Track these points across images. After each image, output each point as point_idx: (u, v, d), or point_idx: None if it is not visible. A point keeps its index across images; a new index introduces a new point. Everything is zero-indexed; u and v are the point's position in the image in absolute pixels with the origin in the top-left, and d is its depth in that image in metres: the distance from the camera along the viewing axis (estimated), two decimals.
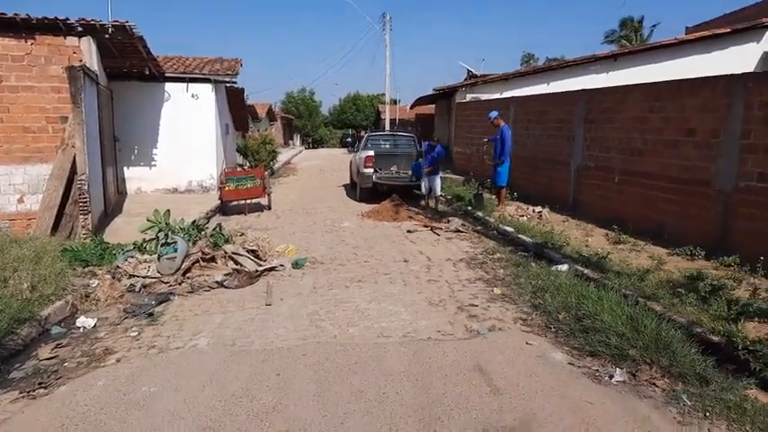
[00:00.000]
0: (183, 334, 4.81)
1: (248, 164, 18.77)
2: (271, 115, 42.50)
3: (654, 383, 3.72)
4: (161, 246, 6.56)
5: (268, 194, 11.92)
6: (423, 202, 11.94)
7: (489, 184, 11.45)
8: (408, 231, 9.44)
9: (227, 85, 15.03)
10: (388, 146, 14.61)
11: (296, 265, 7.05)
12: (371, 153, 12.75)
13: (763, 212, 6.11)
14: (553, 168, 11.26)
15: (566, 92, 11.70)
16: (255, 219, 10.94)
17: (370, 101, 63.75)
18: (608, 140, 9.27)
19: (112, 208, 10.81)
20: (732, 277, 5.48)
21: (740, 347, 3.83)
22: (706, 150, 7.00)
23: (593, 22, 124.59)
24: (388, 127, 32.57)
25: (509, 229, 8.76)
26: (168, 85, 13.56)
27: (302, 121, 60.80)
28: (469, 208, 11.18)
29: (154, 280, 6.12)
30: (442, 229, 9.53)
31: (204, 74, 13.84)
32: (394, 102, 43.12)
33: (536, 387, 3.75)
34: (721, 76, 7.00)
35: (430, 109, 30.33)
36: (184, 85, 13.67)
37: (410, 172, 12.92)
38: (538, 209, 10.16)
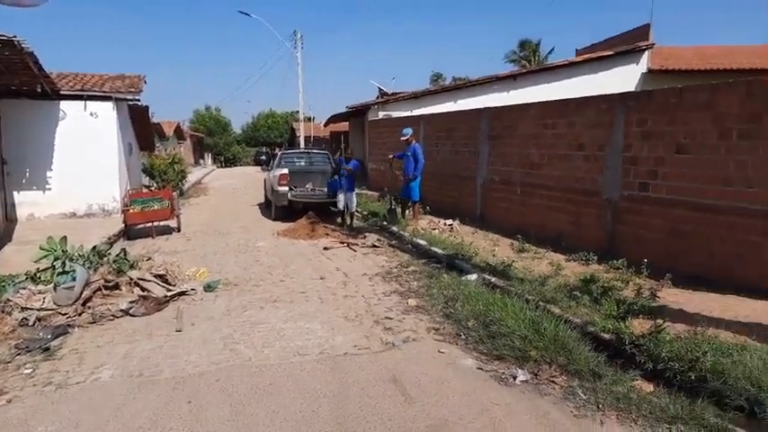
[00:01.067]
0: (83, 368, 4.52)
1: (155, 185, 17.95)
2: (179, 133, 40.92)
3: (553, 381, 4.01)
4: (57, 275, 6.13)
5: (177, 216, 11.46)
6: (339, 219, 12.01)
7: (400, 198, 11.74)
8: (325, 248, 9.46)
9: (130, 102, 14.35)
10: (302, 163, 14.57)
11: (208, 288, 6.85)
12: (286, 171, 12.66)
13: (645, 219, 6.78)
14: (462, 183, 11.76)
15: (471, 110, 12.32)
16: (164, 242, 10.48)
17: (284, 118, 63.23)
18: (509, 156, 9.87)
19: (1, 236, 9.93)
20: (620, 279, 6.00)
21: (627, 343, 4.21)
22: (594, 163, 7.66)
23: (495, 42, 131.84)
24: (302, 144, 32.44)
25: (422, 242, 9.04)
26: (64, 104, 12.72)
27: (213, 139, 59.08)
28: (385, 223, 11.40)
29: (50, 312, 5.68)
30: (358, 244, 9.64)
31: (104, 91, 13.13)
32: (309, 119, 43.07)
33: (447, 393, 3.91)
34: (604, 95, 7.72)
35: (344, 126, 30.62)
36: (82, 103, 12.89)
37: (326, 189, 12.97)
38: (449, 222, 10.56)
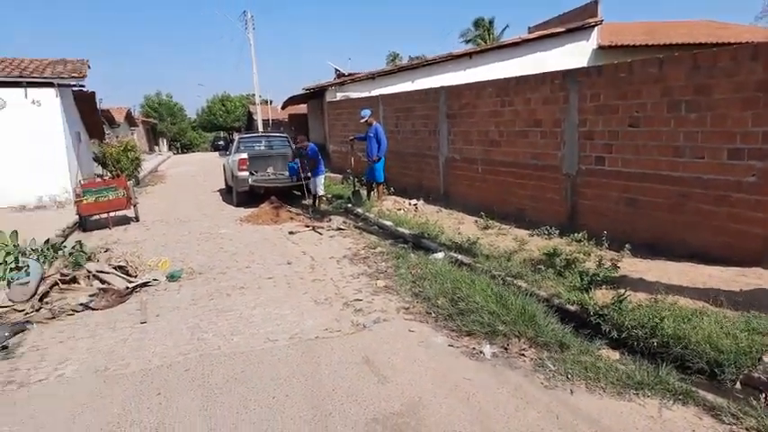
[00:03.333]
0: (45, 365, 4.37)
1: (108, 174, 17.30)
2: (130, 120, 39.46)
3: (523, 354, 4.12)
4: (10, 270, 5.87)
5: (134, 205, 11.10)
6: (305, 202, 11.89)
7: (365, 180, 11.70)
8: (290, 233, 9.36)
9: (75, 88, 13.73)
10: (262, 147, 14.33)
11: (171, 277, 6.69)
12: (245, 156, 12.40)
13: (602, 192, 6.97)
14: (424, 162, 11.81)
15: (428, 89, 12.30)
16: (122, 233, 10.15)
17: (240, 102, 61.77)
18: (470, 134, 9.94)
19: None
20: (582, 251, 6.17)
21: (592, 313, 4.36)
22: (552, 139, 7.80)
23: (451, 21, 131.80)
24: (261, 128, 31.81)
25: (388, 222, 9.06)
26: (2, 91, 12.08)
27: (166, 124, 57.28)
28: (349, 205, 11.35)
29: (5, 309, 5.46)
30: (324, 228, 9.58)
31: (46, 77, 12.52)
32: (266, 102, 42.24)
33: (420, 371, 3.96)
34: (558, 71, 7.83)
35: (303, 109, 30.16)
36: (22, 90, 12.26)
37: (287, 173, 12.79)
38: (413, 201, 10.61)
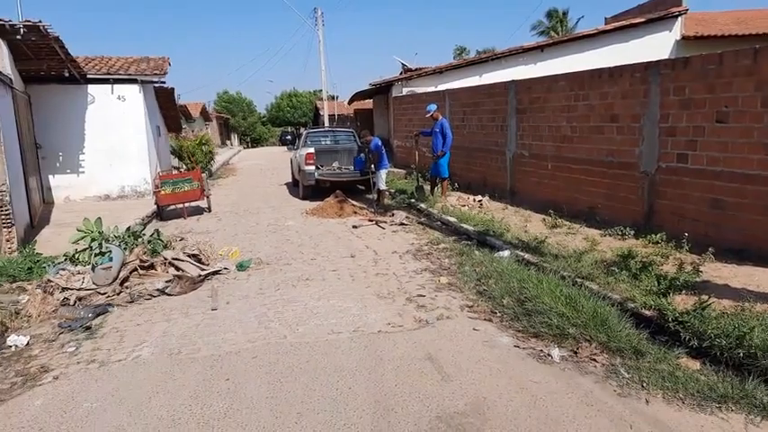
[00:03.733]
0: (124, 345, 4.63)
1: (184, 166, 18.17)
2: (205, 115, 41.27)
3: (594, 359, 3.93)
4: (95, 255, 6.26)
5: (207, 197, 11.59)
6: (368, 196, 11.96)
7: (429, 175, 11.61)
8: (354, 227, 9.45)
9: (156, 85, 14.48)
10: (328, 142, 14.55)
11: (241, 267, 6.91)
12: (312, 150, 12.64)
13: (684, 191, 6.54)
14: (490, 158, 11.57)
15: (497, 83, 12.02)
16: (195, 222, 10.62)
17: (307, 97, 63.11)
18: (539, 129, 9.63)
19: (39, 219, 10.19)
20: (660, 254, 5.84)
21: (670, 319, 4.09)
22: (629, 135, 7.40)
23: (521, 14, 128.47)
24: (327, 123, 32.35)
25: (452, 219, 8.95)
26: (92, 88, 12.91)
27: (238, 119, 59.43)
28: (413, 200, 11.32)
29: (89, 292, 5.83)
30: (387, 222, 9.61)
31: (130, 74, 13.26)
32: (332, 98, 42.94)
33: (484, 371, 3.87)
34: (639, 63, 7.41)
35: (368, 104, 30.38)
36: (109, 86, 13.07)
37: (352, 167, 12.92)
38: (478, 198, 10.43)
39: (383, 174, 11.41)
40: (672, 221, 6.62)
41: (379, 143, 11.47)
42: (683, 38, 17.91)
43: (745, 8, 21.72)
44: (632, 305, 4.50)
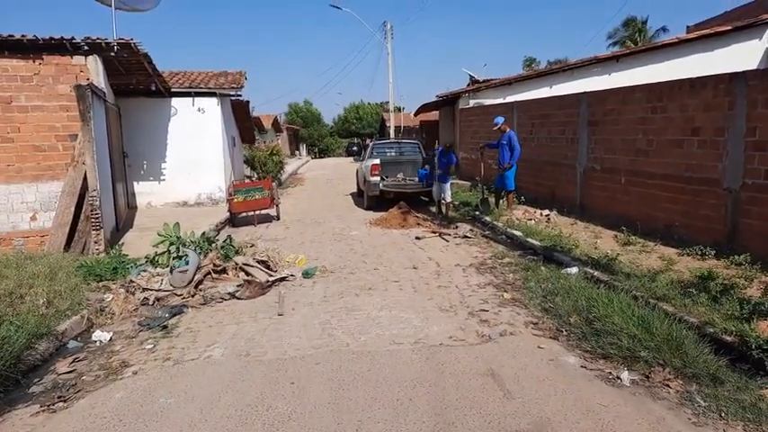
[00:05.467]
0: (197, 345, 4.87)
1: (256, 175, 18.91)
2: (276, 126, 42.76)
3: (667, 385, 3.73)
4: (173, 259, 6.63)
5: (276, 205, 12.00)
6: (433, 209, 11.97)
7: (494, 188, 11.46)
8: (417, 238, 9.47)
9: (233, 97, 15.19)
10: (393, 153, 14.69)
11: (306, 274, 7.10)
12: (377, 161, 12.82)
13: None
14: (559, 171, 11.27)
15: (568, 94, 11.73)
16: (265, 230, 11.01)
17: (374, 109, 64.02)
18: (612, 142, 9.29)
19: (123, 223, 10.93)
20: (743, 276, 5.47)
21: (754, 347, 3.81)
22: (711, 149, 7.00)
23: (596, 23, 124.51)
24: (392, 135, 32.65)
25: (517, 233, 8.78)
26: (174, 100, 13.74)
27: (307, 131, 61.15)
28: (477, 213, 11.20)
29: (167, 293, 6.19)
30: (450, 234, 9.56)
31: (210, 87, 14.01)
32: (398, 109, 43.29)
33: (549, 390, 3.76)
34: (723, 74, 7.01)
35: (434, 116, 30.37)
36: (190, 99, 13.85)
37: (416, 179, 12.98)
38: (545, 212, 10.17)
39: (447, 185, 11.38)
40: (758, 242, 6.18)
41: (455, 159, 11.51)
42: None
43: None
44: (711, 330, 4.23)
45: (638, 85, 8.92)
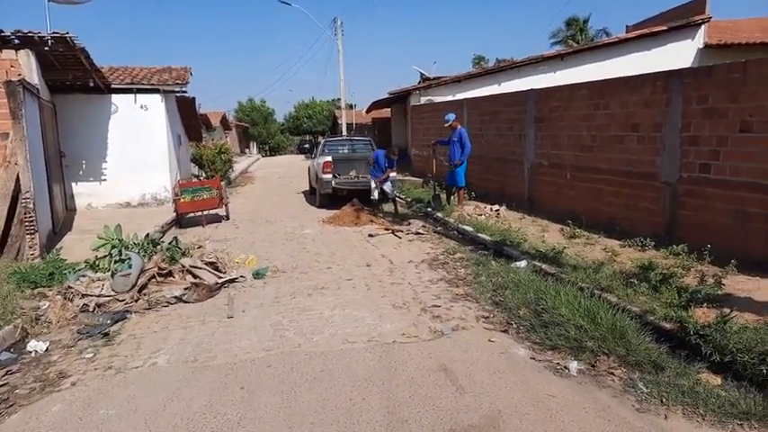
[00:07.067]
0: (141, 352, 4.67)
1: (204, 174, 18.40)
2: (225, 124, 41.81)
3: (612, 373, 3.85)
4: (114, 262, 6.35)
5: (225, 205, 11.70)
6: (383, 206, 11.98)
7: (445, 184, 11.58)
8: (370, 235, 9.45)
9: (178, 94, 14.71)
10: (345, 151, 14.61)
11: (257, 275, 6.95)
12: (329, 159, 12.71)
13: (706, 202, 6.42)
14: (508, 167, 11.50)
15: (515, 92, 11.98)
16: (213, 230, 10.72)
17: (326, 107, 63.57)
18: (558, 138, 9.55)
19: (62, 226, 10.39)
20: (681, 266, 5.71)
21: (691, 333, 3.98)
22: (650, 144, 7.30)
23: (540, 22, 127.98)
24: (345, 132, 32.51)
25: (468, 228, 8.89)
26: (115, 97, 13.16)
27: (258, 128, 60.08)
28: (429, 209, 11.29)
29: (108, 298, 5.90)
30: (403, 231, 9.59)
31: (152, 84, 13.49)
32: (350, 106, 43.13)
33: (500, 383, 3.81)
34: (660, 72, 7.32)
35: (386, 113, 30.48)
36: (132, 96, 13.30)
37: (369, 176, 12.95)
38: (495, 207, 10.35)
39: (389, 183, 11.44)
40: (694, 233, 6.49)
41: (378, 154, 11.58)
42: (706, 46, 17.69)
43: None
44: (652, 318, 4.41)
45: (581, 83, 9.20)
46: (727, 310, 4.10)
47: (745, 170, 5.90)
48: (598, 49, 18.25)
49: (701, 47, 17.75)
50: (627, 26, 22.09)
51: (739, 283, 5.11)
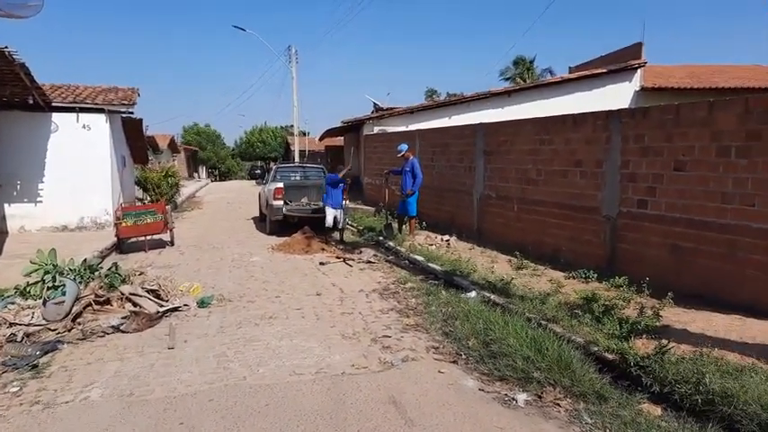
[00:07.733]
0: (72, 386, 4.37)
1: (149, 198, 17.78)
2: (173, 147, 40.87)
3: (558, 404, 3.90)
4: (47, 289, 5.99)
5: (170, 230, 11.31)
6: (334, 234, 11.92)
7: (397, 214, 11.66)
8: (321, 263, 9.34)
9: (124, 115, 14.26)
10: (298, 177, 14.51)
11: (201, 303, 6.70)
12: (281, 185, 12.56)
13: (644, 236, 6.72)
14: (458, 198, 11.71)
15: (466, 125, 12.30)
16: (157, 256, 10.32)
17: (278, 133, 63.30)
18: (506, 171, 9.83)
19: None
20: (622, 297, 5.89)
21: (632, 364, 4.11)
22: (592, 179, 7.62)
23: (490, 58, 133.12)
24: (297, 159, 32.37)
25: (419, 258, 8.94)
26: (56, 116, 12.61)
27: (207, 152, 59.03)
28: (381, 238, 11.30)
29: (39, 327, 5.53)
30: (354, 260, 9.53)
31: (97, 103, 13.04)
32: (303, 133, 43.16)
33: (449, 416, 3.79)
34: (601, 111, 7.71)
35: (339, 141, 30.63)
36: (74, 115, 12.79)
37: (321, 203, 12.88)
38: (446, 237, 10.48)
39: (340, 211, 11.49)
40: (633, 265, 6.77)
41: (332, 177, 11.67)
42: (643, 89, 18.85)
43: (697, 63, 23.03)
44: (595, 348, 4.52)
45: (527, 119, 9.57)
46: (665, 342, 4.25)
47: (680, 206, 6.24)
48: (543, 88, 19.13)
49: (637, 89, 18.92)
50: (570, 67, 23.30)
51: (676, 315, 5.33)
